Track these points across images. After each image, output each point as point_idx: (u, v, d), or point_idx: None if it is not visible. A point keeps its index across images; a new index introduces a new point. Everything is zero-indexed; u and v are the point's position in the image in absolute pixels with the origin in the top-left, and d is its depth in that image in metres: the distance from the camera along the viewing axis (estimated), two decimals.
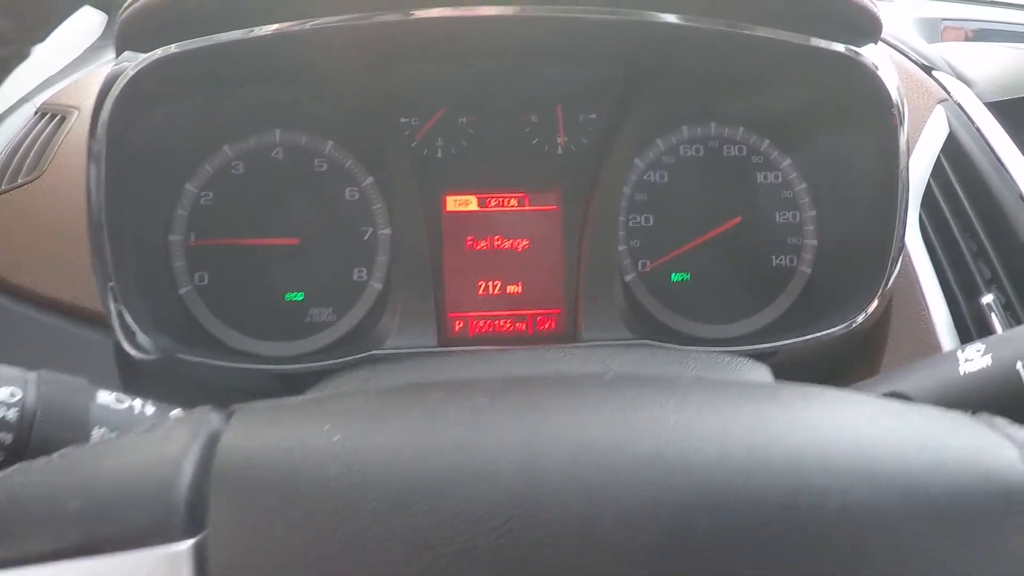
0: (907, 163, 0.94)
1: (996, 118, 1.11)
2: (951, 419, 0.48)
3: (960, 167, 1.07)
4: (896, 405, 0.49)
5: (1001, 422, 0.50)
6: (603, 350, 0.89)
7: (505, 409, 0.43)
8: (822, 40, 0.90)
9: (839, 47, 0.90)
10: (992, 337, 0.71)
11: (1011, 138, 1.09)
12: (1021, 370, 0.68)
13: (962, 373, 0.69)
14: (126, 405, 0.65)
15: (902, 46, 1.20)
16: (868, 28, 0.91)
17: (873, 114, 0.94)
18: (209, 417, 0.45)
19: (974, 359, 0.70)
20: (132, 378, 0.95)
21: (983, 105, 1.12)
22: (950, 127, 1.09)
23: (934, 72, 1.17)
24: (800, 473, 0.40)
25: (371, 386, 0.71)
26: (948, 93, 1.13)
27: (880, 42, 1.19)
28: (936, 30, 1.30)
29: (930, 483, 0.42)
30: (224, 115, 1.00)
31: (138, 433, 0.47)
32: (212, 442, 0.43)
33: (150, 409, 0.66)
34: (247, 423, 0.44)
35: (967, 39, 1.30)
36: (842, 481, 0.40)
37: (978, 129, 1.09)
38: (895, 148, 0.92)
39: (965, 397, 0.69)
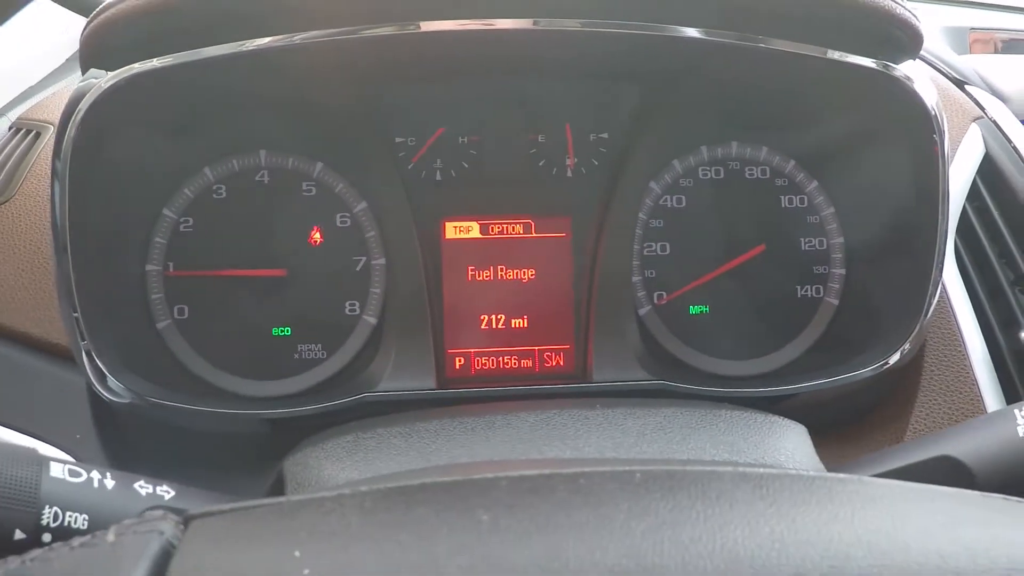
0: (947, 186, 0.86)
1: None
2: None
3: (997, 190, 1.00)
4: (999, 503, 0.41)
5: None
6: (614, 401, 0.81)
7: (511, 535, 0.35)
8: (857, 57, 0.83)
9: (872, 62, 0.82)
10: None
11: None
12: None
13: (1022, 435, 0.62)
14: (82, 479, 0.57)
15: (932, 59, 1.13)
16: (909, 44, 0.83)
17: (909, 132, 0.86)
18: (160, 527, 0.38)
19: None
20: (105, 423, 0.87)
21: (1019, 122, 1.04)
22: (986, 147, 1.01)
23: (967, 87, 1.09)
24: None
25: (357, 464, 0.62)
26: (983, 110, 1.06)
27: None
28: (963, 39, 1.23)
29: None
30: (205, 135, 0.92)
31: (81, 545, 0.39)
32: (162, 563, 0.35)
33: (110, 482, 0.58)
34: (204, 538, 0.37)
35: (996, 49, 1.23)
36: None
37: (1015, 149, 1.02)
38: (934, 169, 0.85)
39: None
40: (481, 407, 0.73)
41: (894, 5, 0.80)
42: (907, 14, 0.81)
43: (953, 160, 1.00)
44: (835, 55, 0.83)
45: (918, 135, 0.86)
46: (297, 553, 0.34)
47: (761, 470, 0.43)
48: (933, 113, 0.84)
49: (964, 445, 0.63)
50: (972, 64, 1.13)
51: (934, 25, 1.23)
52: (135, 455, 0.87)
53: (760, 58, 0.85)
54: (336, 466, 0.63)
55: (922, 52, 1.13)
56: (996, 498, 0.44)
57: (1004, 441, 0.63)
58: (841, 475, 0.42)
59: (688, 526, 0.36)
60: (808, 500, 0.39)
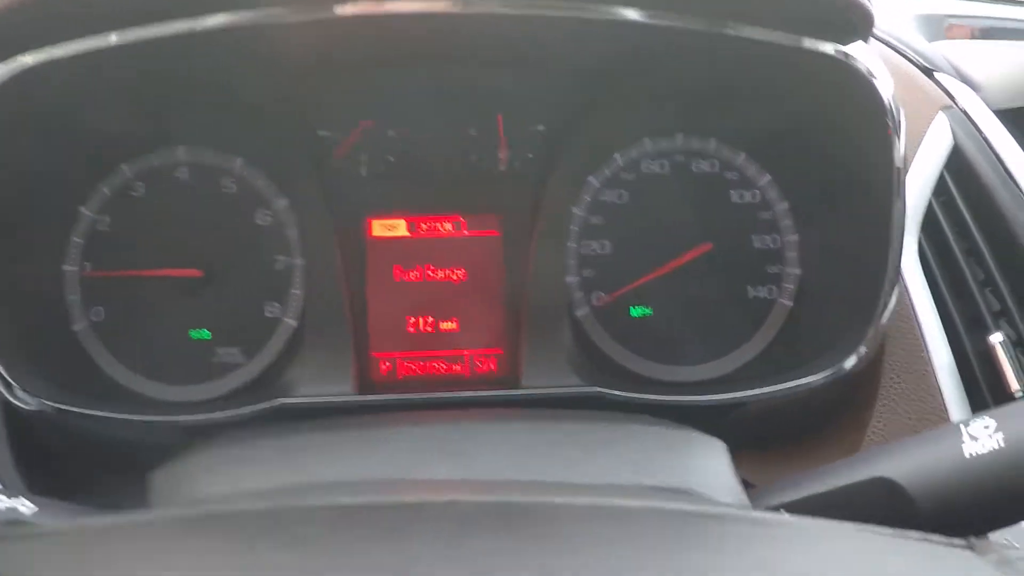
0: (903, 179, 0.80)
1: (1006, 128, 0.97)
2: (952, 559, 0.36)
3: (965, 184, 0.93)
4: (884, 542, 0.36)
5: (1016, 555, 0.37)
6: (529, 413, 0.76)
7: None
8: (807, 39, 0.77)
9: (827, 47, 0.76)
10: (1002, 409, 0.58)
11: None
12: None
13: (967, 455, 0.56)
14: None
15: (900, 45, 1.06)
16: (858, 24, 0.77)
17: (864, 123, 0.80)
18: None
19: (981, 438, 0.57)
20: (18, 432, 0.84)
21: (991, 113, 0.98)
22: (954, 138, 0.95)
23: (936, 74, 1.03)
24: None
25: (218, 479, 0.58)
26: (952, 99, 0.99)
27: (876, 40, 1.07)
28: (940, 28, 1.16)
29: None
30: (120, 130, 0.88)
31: None
32: None
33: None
34: None
35: (973, 38, 1.16)
36: None
37: (986, 140, 0.95)
38: (889, 162, 0.79)
39: (972, 487, 0.55)
40: (377, 417, 0.68)
41: None
42: None
43: (917, 152, 0.93)
44: (779, 37, 0.77)
45: (873, 126, 0.80)
46: None
47: (614, 502, 0.38)
48: (888, 104, 0.78)
49: (904, 465, 0.57)
50: (943, 51, 1.06)
51: (908, 12, 1.17)
52: (45, 465, 0.83)
53: (704, 43, 0.79)
54: (201, 480, 0.58)
55: (889, 38, 1.08)
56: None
57: (947, 462, 0.56)
58: (696, 507, 0.37)
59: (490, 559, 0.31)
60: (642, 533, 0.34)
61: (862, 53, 0.78)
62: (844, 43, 0.77)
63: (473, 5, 0.76)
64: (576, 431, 0.61)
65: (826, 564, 0.33)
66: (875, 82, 0.77)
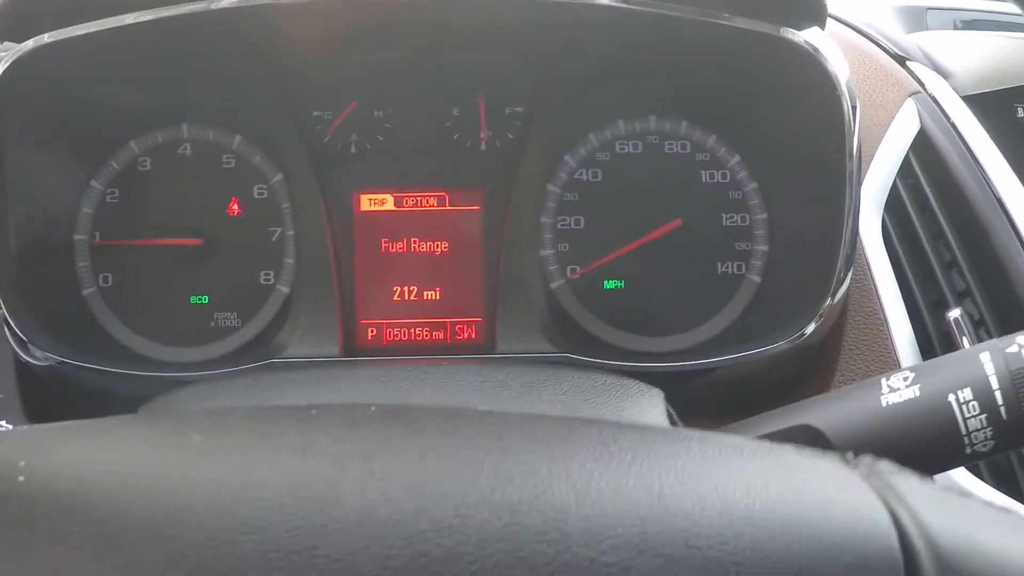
0: (856, 156, 0.84)
1: (974, 113, 1.00)
2: (813, 466, 0.40)
3: (931, 166, 0.97)
4: (753, 447, 0.40)
5: (886, 468, 0.41)
6: (500, 365, 0.81)
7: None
8: (760, 23, 0.81)
9: (780, 32, 0.81)
10: (921, 364, 0.62)
11: (989, 135, 0.98)
12: (953, 403, 0.59)
13: (884, 404, 0.60)
14: None
15: (875, 34, 1.10)
16: (811, 10, 0.81)
17: (820, 108, 0.84)
18: None
19: (900, 389, 0.61)
20: (28, 383, 0.90)
21: (960, 98, 1.01)
22: (921, 122, 0.98)
23: (908, 63, 1.06)
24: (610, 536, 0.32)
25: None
26: (922, 85, 1.03)
27: (851, 29, 1.11)
28: (922, 19, 1.19)
29: (770, 550, 0.33)
30: (129, 109, 0.95)
31: None
32: None
33: None
34: None
35: (954, 28, 1.19)
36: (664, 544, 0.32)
37: (952, 124, 0.99)
38: (842, 147, 0.83)
39: (887, 433, 0.60)
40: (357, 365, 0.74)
41: None
42: None
43: (884, 136, 0.97)
44: (734, 21, 0.82)
45: (826, 105, 0.84)
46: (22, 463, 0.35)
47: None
48: (837, 81, 0.82)
49: (826, 415, 0.62)
50: (917, 40, 1.09)
51: (889, 3, 1.20)
52: (54, 416, 0.90)
53: (665, 27, 0.84)
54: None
55: (864, 27, 1.12)
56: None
57: (866, 411, 0.61)
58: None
59: (381, 457, 0.36)
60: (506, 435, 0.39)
61: (818, 40, 0.82)
62: (800, 29, 0.81)
63: None
64: (521, 375, 0.66)
65: (684, 461, 0.37)
66: (829, 68, 0.81)
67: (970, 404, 0.57)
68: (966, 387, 0.57)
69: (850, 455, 0.43)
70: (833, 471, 0.40)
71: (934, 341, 0.91)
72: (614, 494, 0.34)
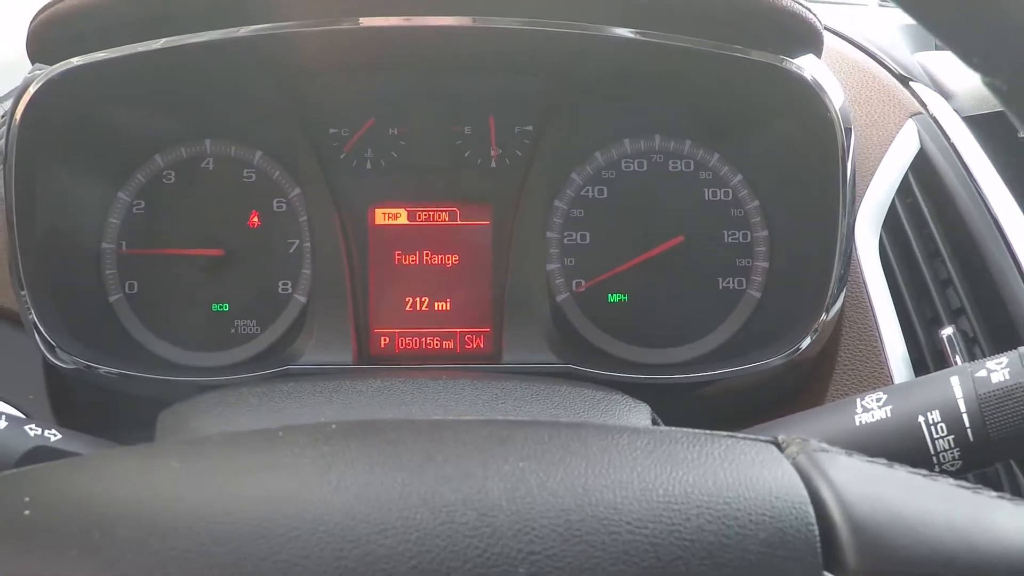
0: (850, 179, 0.87)
1: (975, 134, 1.02)
2: (738, 449, 0.43)
3: (929, 186, 0.99)
4: (687, 436, 0.44)
5: (815, 447, 0.44)
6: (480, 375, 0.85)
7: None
8: (746, 50, 0.84)
9: (768, 57, 0.84)
10: (896, 386, 0.65)
11: (989, 156, 1.00)
12: (923, 424, 0.62)
13: (857, 424, 0.63)
14: None
15: (880, 53, 1.12)
16: (805, 37, 0.84)
17: (812, 127, 0.88)
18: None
19: (873, 409, 0.64)
20: (55, 385, 0.95)
21: (960, 119, 1.03)
22: (921, 143, 1.01)
23: (911, 83, 1.08)
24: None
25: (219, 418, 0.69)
26: (923, 106, 1.05)
27: (856, 48, 1.13)
28: (929, 38, 1.21)
29: (685, 531, 0.37)
30: (155, 125, 0.99)
31: None
32: None
33: (3, 423, 0.66)
34: None
35: None
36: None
37: (952, 145, 1.01)
38: (835, 163, 0.86)
39: (859, 451, 0.63)
40: (367, 374, 0.78)
41: (791, 3, 0.82)
42: (803, 11, 0.82)
43: (884, 156, 1.00)
44: (732, 51, 0.85)
45: (820, 132, 0.87)
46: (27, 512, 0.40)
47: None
48: (830, 105, 0.85)
49: (800, 433, 0.65)
50: (921, 60, 1.12)
51: (894, 22, 1.22)
52: (81, 416, 0.95)
53: (669, 55, 0.87)
54: (201, 419, 0.69)
55: (870, 47, 1.14)
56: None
57: (839, 430, 0.64)
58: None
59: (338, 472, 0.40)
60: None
61: (813, 67, 0.85)
62: (793, 55, 0.84)
63: (487, 21, 0.86)
64: (518, 388, 0.70)
65: (614, 454, 0.41)
66: (822, 95, 0.85)
67: (938, 426, 0.60)
68: (935, 409, 0.60)
69: (782, 437, 0.46)
70: (757, 453, 0.43)
71: (927, 358, 0.94)
72: (541, 489, 0.38)
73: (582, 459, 0.41)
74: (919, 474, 0.45)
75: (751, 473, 0.41)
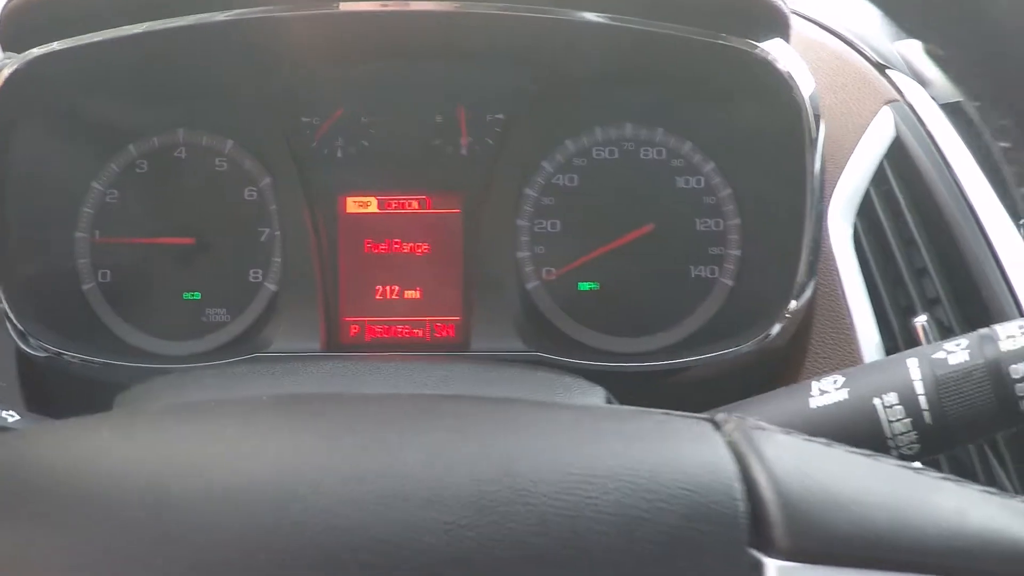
0: (819, 166, 0.86)
1: (952, 121, 1.01)
2: (670, 425, 0.43)
3: (904, 174, 0.98)
4: (620, 412, 0.44)
5: (751, 424, 0.44)
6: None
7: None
8: (709, 32, 0.84)
9: (731, 40, 0.83)
10: (852, 369, 0.64)
11: (965, 143, 0.99)
12: (879, 407, 0.61)
13: (813, 406, 0.63)
14: None
15: (857, 41, 1.11)
16: (771, 21, 0.84)
17: (781, 114, 0.87)
18: None
19: (829, 392, 0.63)
20: (27, 373, 0.96)
21: (937, 106, 1.02)
22: (897, 130, 1.00)
23: (888, 71, 1.07)
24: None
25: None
26: (900, 93, 1.04)
27: (833, 36, 1.12)
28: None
29: (603, 504, 0.37)
30: (129, 114, 1.00)
31: None
32: None
33: None
34: None
35: None
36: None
37: (928, 132, 1.00)
38: (802, 149, 0.85)
39: (813, 435, 0.62)
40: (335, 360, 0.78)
41: None
42: None
43: (858, 143, 0.99)
44: (701, 35, 0.84)
45: (789, 119, 0.86)
46: None
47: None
48: (799, 94, 0.84)
49: (754, 414, 0.64)
50: (899, 48, 1.10)
51: (876, 10, 1.21)
52: (52, 403, 0.95)
53: (632, 40, 0.87)
54: (155, 400, 0.69)
55: (847, 35, 1.13)
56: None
57: (793, 413, 0.63)
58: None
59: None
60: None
61: (781, 52, 0.84)
62: (760, 39, 0.84)
63: (469, 6, 0.86)
64: (464, 371, 0.70)
65: (538, 428, 0.41)
66: (790, 80, 0.84)
67: (895, 408, 0.59)
68: (891, 391, 0.59)
69: (721, 416, 0.45)
70: (690, 429, 0.43)
71: (901, 347, 0.93)
72: (462, 463, 0.38)
73: (505, 431, 0.41)
74: (860, 454, 0.45)
75: (680, 448, 0.41)
